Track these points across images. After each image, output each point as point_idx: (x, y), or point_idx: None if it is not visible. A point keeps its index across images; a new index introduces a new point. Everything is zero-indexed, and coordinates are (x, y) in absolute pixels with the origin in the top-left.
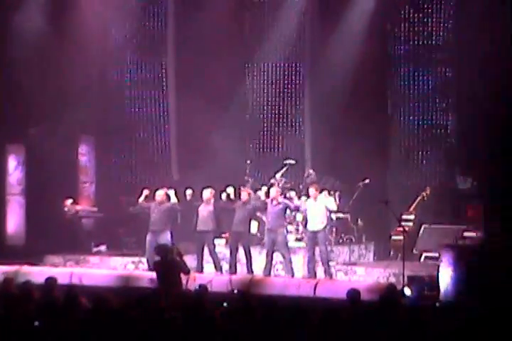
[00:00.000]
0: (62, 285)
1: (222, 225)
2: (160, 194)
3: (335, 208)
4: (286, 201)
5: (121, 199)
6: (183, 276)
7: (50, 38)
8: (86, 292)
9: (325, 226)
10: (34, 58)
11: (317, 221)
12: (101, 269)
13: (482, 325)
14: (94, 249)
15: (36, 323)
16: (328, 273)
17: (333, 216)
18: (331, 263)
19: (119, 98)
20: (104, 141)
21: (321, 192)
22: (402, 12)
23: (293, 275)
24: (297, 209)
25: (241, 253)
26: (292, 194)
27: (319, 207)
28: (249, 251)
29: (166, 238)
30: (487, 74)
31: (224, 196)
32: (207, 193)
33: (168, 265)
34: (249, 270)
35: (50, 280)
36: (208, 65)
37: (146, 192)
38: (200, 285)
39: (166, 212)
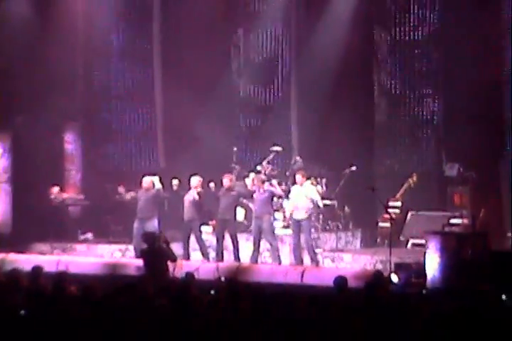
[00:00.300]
0: (50, 273)
1: (210, 213)
2: (147, 181)
3: (318, 198)
4: (272, 188)
5: (108, 186)
6: (170, 264)
7: (35, 26)
8: (73, 280)
9: (310, 215)
10: (19, 46)
11: (302, 208)
12: (88, 257)
13: (468, 311)
14: (81, 237)
15: (22, 312)
16: (314, 260)
17: (320, 203)
18: (317, 251)
19: (104, 86)
20: (90, 129)
21: (308, 179)
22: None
23: (280, 263)
24: (282, 196)
25: (228, 240)
26: (274, 182)
27: (305, 194)
28: (236, 238)
29: (153, 225)
30: (474, 61)
31: (212, 185)
32: (194, 181)
33: (155, 252)
34: (237, 257)
35: (37, 269)
36: (194, 54)
37: (121, 189)
38: (187, 273)
39: (152, 198)
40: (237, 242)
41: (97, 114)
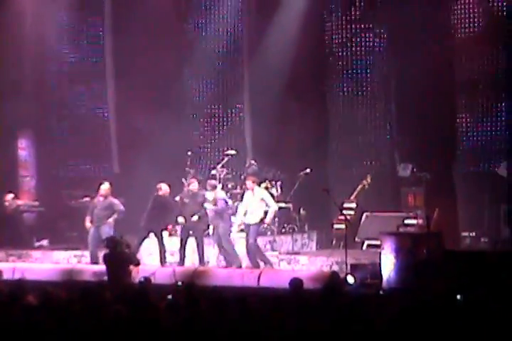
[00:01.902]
0: (7, 280)
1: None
2: (105, 188)
3: (273, 204)
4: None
5: (63, 193)
6: (132, 268)
7: None
8: (29, 287)
9: (260, 220)
10: None
11: (253, 214)
12: (44, 263)
13: (425, 311)
14: (37, 244)
15: None
16: (267, 263)
17: (274, 206)
18: (273, 253)
19: (57, 91)
20: (44, 135)
21: (261, 183)
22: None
23: (234, 266)
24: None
25: (193, 244)
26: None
27: (256, 200)
28: (202, 242)
29: (107, 231)
30: (426, 62)
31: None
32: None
33: (117, 257)
34: (202, 261)
35: None
36: (146, 60)
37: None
38: (144, 278)
39: (108, 208)
40: (202, 246)
41: (51, 120)
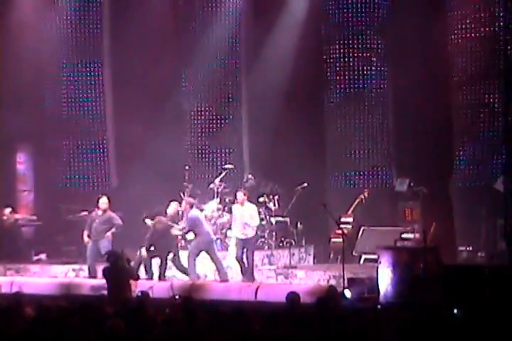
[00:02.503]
0: (5, 294)
1: None
2: (103, 202)
3: (256, 223)
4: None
5: (61, 207)
6: (132, 282)
7: None
8: (28, 300)
9: (255, 233)
10: None
11: (247, 228)
12: (42, 277)
13: (422, 325)
14: (35, 258)
15: None
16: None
17: (273, 220)
18: (271, 267)
19: (55, 105)
20: (42, 149)
21: (261, 196)
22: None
23: (226, 280)
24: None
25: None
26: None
27: (247, 214)
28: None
29: (105, 245)
30: (422, 77)
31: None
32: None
33: (118, 271)
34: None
35: None
36: (145, 73)
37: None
38: (141, 292)
39: (107, 222)
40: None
41: (49, 135)
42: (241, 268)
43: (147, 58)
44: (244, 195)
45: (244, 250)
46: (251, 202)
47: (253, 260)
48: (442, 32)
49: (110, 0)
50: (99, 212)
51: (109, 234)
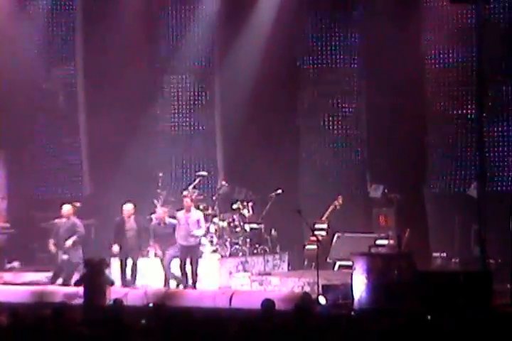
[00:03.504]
0: None
1: None
2: (66, 209)
3: (201, 233)
4: (174, 221)
5: (34, 214)
6: (107, 289)
7: None
8: (1, 308)
9: (199, 241)
10: None
11: (193, 236)
12: (15, 285)
13: (398, 331)
14: (8, 265)
15: None
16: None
17: (247, 226)
18: (245, 274)
19: (29, 111)
20: (15, 157)
21: (235, 203)
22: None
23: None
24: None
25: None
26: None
27: (190, 221)
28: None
29: (78, 255)
30: (396, 86)
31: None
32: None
33: (95, 278)
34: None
35: None
36: (118, 74)
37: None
38: (115, 299)
39: (70, 230)
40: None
41: (22, 142)
42: (181, 278)
43: (120, 62)
44: (191, 200)
45: (188, 258)
46: (199, 208)
47: (197, 269)
48: (417, 42)
49: (83, 4)
50: (63, 220)
51: (69, 242)
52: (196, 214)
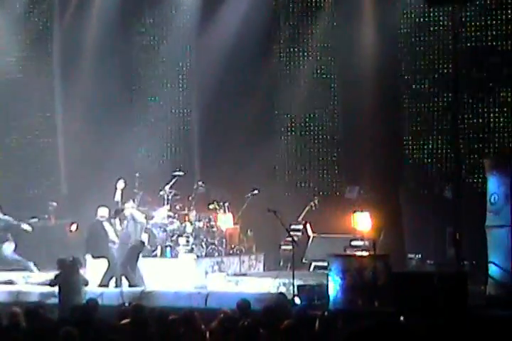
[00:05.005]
0: None
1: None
2: None
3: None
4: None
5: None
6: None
7: None
8: None
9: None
10: None
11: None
12: None
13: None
14: None
15: None
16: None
17: (223, 227)
18: (220, 274)
19: (2, 109)
20: None
21: (211, 203)
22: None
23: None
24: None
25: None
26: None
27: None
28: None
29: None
30: (372, 88)
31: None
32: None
33: (70, 278)
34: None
35: None
36: (92, 83)
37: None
38: (90, 299)
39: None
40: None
41: None
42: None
43: (97, 59)
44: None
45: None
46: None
47: None
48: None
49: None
50: None
51: None
52: (136, 214)
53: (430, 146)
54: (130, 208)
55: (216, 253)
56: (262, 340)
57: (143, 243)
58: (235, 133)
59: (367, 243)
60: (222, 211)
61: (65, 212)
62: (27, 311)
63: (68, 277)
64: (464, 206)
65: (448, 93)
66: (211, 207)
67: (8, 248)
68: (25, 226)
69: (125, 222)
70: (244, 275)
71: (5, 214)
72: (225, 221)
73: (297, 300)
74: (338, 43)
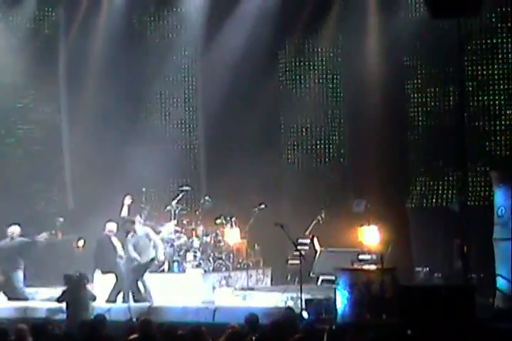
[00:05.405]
0: None
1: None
2: (11, 230)
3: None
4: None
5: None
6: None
7: None
8: None
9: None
10: None
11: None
12: None
13: None
14: None
15: None
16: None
17: (230, 242)
18: (228, 289)
19: (7, 125)
20: None
21: (218, 218)
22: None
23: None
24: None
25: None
26: None
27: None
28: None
29: (17, 279)
30: (379, 100)
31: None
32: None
33: (77, 293)
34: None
35: None
36: (102, 86)
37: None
38: (98, 315)
39: (18, 248)
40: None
41: (2, 154)
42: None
43: (103, 76)
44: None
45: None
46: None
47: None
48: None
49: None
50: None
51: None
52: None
53: (436, 159)
54: (140, 225)
55: (223, 268)
56: None
57: (152, 259)
58: (241, 148)
59: (374, 256)
60: (229, 225)
61: (71, 228)
62: (34, 327)
63: (75, 293)
64: (471, 218)
65: (455, 106)
66: (218, 221)
67: (19, 278)
68: (39, 238)
69: (135, 237)
70: (252, 289)
71: (21, 235)
72: (232, 235)
73: (305, 314)
74: (343, 57)
